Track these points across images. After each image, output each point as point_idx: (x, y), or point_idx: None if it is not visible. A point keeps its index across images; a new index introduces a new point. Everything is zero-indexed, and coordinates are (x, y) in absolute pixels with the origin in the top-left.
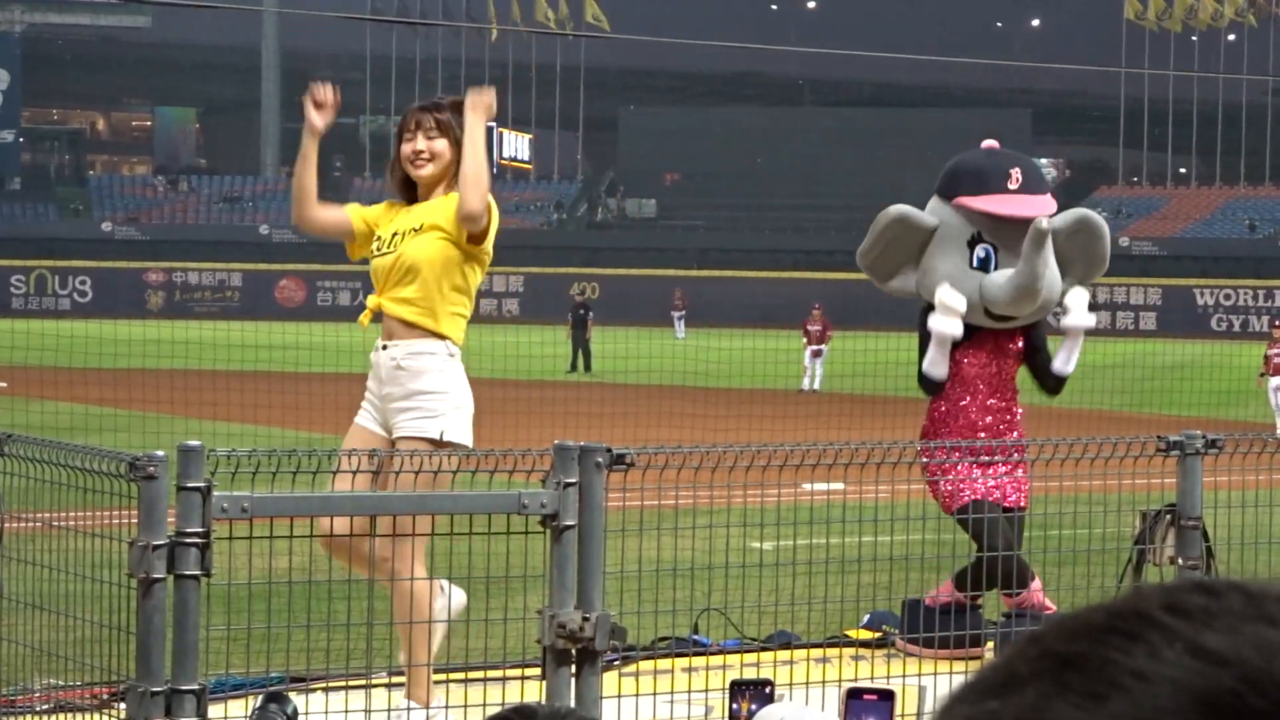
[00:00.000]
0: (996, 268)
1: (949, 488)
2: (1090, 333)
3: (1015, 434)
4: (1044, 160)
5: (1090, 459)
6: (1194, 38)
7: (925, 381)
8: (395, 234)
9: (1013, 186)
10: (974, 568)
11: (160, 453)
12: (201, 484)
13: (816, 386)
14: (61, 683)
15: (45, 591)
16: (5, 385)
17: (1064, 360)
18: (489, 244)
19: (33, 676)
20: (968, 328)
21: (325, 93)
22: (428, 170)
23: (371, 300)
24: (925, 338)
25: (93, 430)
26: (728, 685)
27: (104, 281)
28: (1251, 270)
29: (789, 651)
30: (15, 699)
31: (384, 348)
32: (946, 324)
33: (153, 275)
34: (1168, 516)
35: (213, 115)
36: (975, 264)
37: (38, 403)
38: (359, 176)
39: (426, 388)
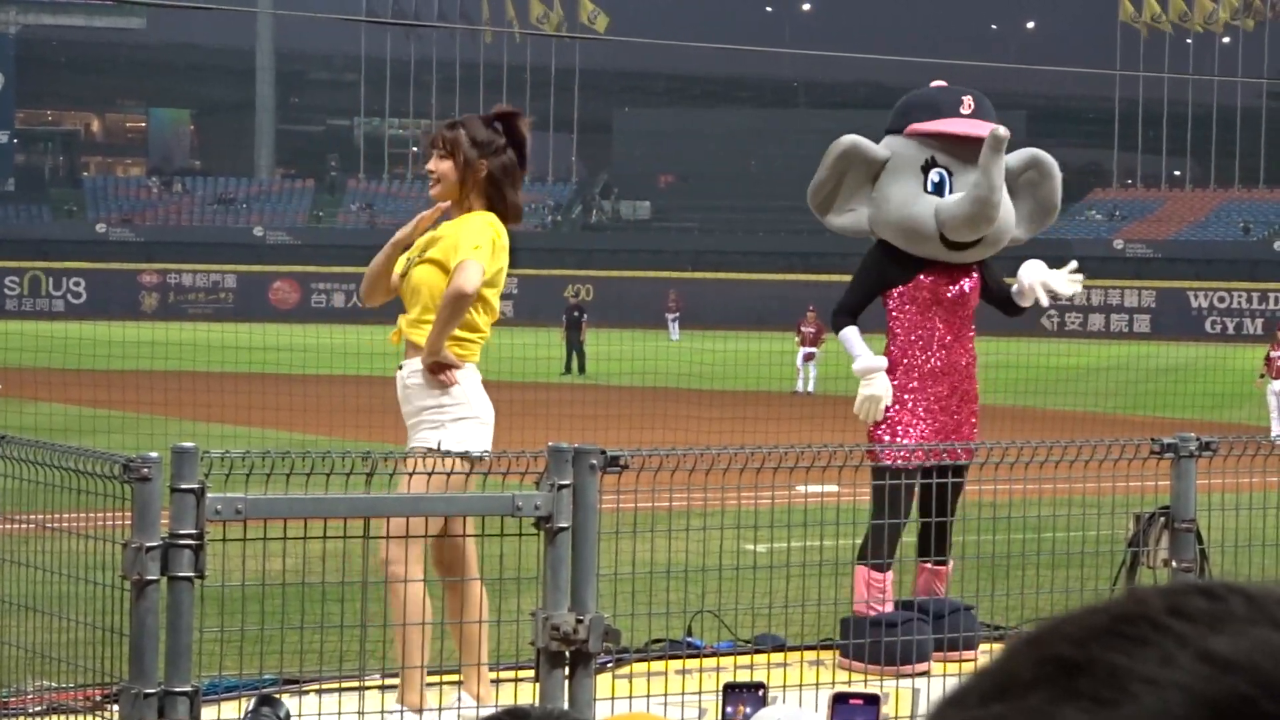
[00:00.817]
0: (951, 192)
1: (885, 436)
2: (1085, 335)
3: (971, 382)
4: None
5: (1084, 461)
6: (1189, 40)
7: (839, 329)
8: (407, 258)
9: (965, 112)
10: (874, 536)
11: (154, 454)
12: (195, 486)
13: (811, 389)
14: (55, 684)
15: (39, 593)
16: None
17: (1024, 299)
18: (486, 288)
19: (26, 678)
20: (923, 260)
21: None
22: (436, 190)
23: (400, 320)
24: (863, 272)
25: (86, 432)
26: (721, 688)
27: (98, 283)
28: (1246, 273)
29: (782, 654)
30: (9, 701)
31: (400, 367)
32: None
33: (147, 277)
34: (1162, 519)
35: (207, 117)
36: (930, 189)
37: (31, 404)
38: (353, 178)
39: (429, 403)
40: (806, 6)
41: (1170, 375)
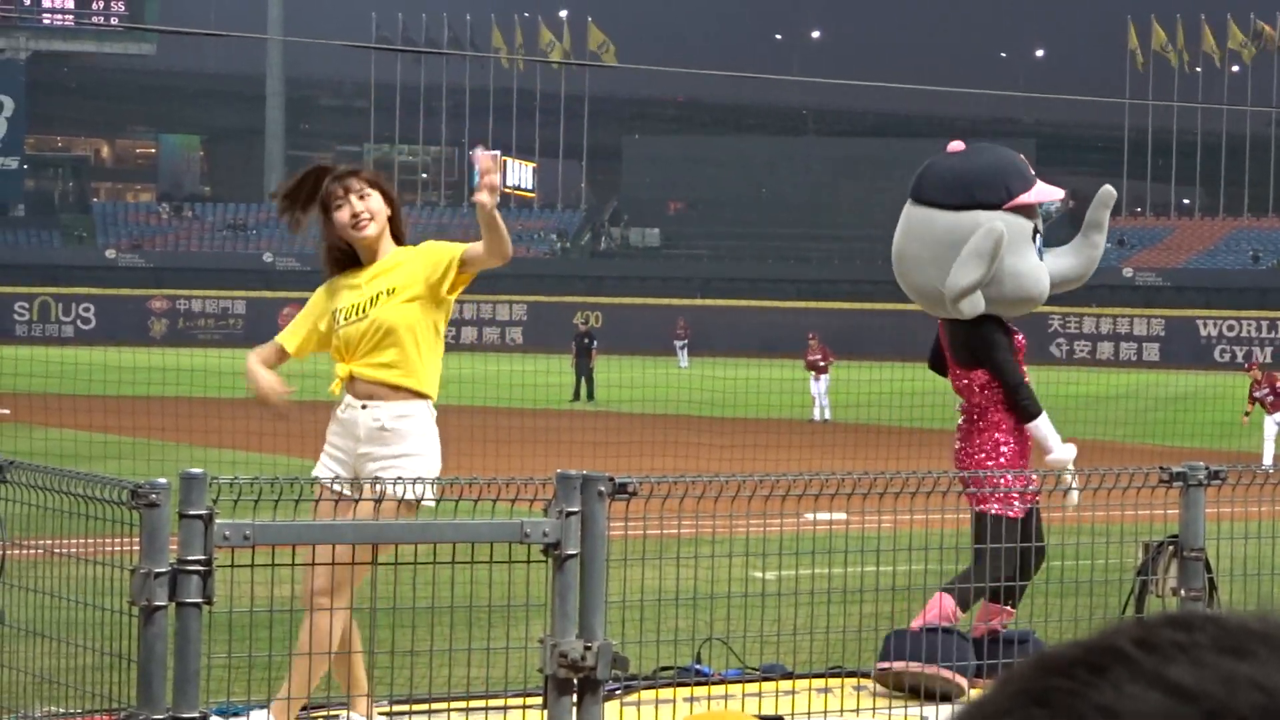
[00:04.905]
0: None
1: (1006, 498)
2: (1094, 363)
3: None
4: None
5: (1093, 490)
6: (1198, 69)
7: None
8: (358, 303)
9: (1032, 172)
10: (990, 582)
11: (162, 480)
12: (204, 512)
13: (828, 416)
14: (63, 710)
15: (47, 619)
16: (8, 412)
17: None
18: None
19: (34, 704)
20: (1004, 323)
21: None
22: (371, 230)
23: (341, 369)
24: (1001, 348)
25: (95, 457)
26: None
27: (107, 309)
28: (1255, 301)
29: (790, 682)
30: None
31: (364, 407)
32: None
33: (156, 302)
34: (1170, 548)
35: (217, 143)
36: (1039, 256)
37: (40, 429)
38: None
39: (410, 451)
40: (815, 34)
41: (1179, 404)
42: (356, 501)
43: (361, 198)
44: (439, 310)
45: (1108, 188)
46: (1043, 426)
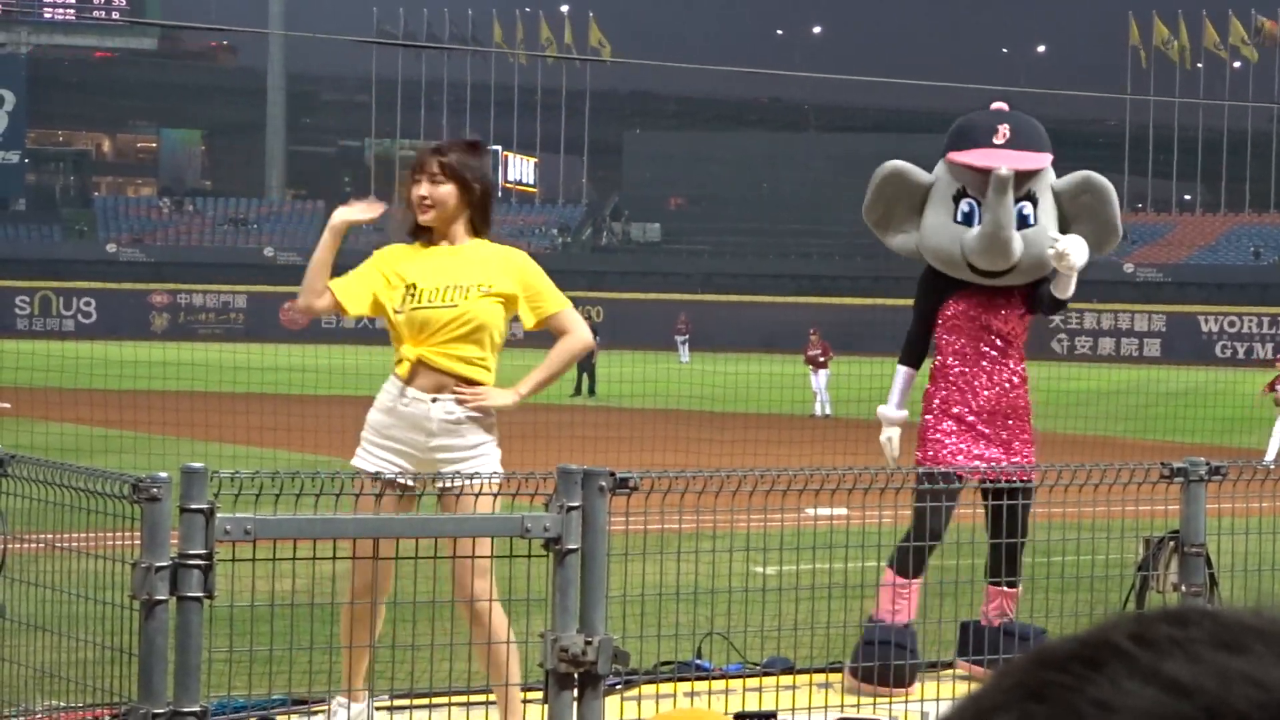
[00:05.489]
0: (980, 223)
1: (930, 451)
2: (1095, 359)
3: (1019, 400)
4: None
5: (1094, 485)
6: (1199, 64)
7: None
8: (446, 287)
9: (998, 141)
10: (901, 547)
11: (164, 474)
12: (205, 506)
13: (828, 411)
14: (64, 704)
15: (48, 613)
16: (9, 406)
17: (1060, 289)
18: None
19: (35, 698)
20: (956, 282)
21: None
22: (431, 216)
23: (409, 351)
24: (920, 300)
25: (96, 452)
26: (732, 718)
27: (108, 303)
28: (1256, 297)
29: (791, 677)
30: None
31: (434, 400)
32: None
33: (157, 297)
34: (1171, 543)
35: (218, 137)
36: (959, 219)
37: (41, 424)
38: (364, 199)
39: (485, 439)
40: (817, 29)
41: (1180, 399)
42: (420, 496)
43: (434, 182)
44: (509, 318)
45: (999, 171)
46: (896, 377)
